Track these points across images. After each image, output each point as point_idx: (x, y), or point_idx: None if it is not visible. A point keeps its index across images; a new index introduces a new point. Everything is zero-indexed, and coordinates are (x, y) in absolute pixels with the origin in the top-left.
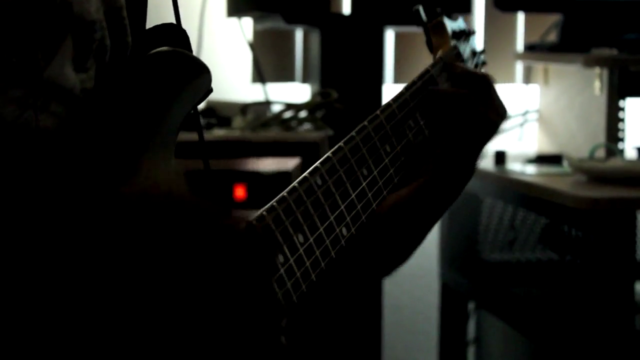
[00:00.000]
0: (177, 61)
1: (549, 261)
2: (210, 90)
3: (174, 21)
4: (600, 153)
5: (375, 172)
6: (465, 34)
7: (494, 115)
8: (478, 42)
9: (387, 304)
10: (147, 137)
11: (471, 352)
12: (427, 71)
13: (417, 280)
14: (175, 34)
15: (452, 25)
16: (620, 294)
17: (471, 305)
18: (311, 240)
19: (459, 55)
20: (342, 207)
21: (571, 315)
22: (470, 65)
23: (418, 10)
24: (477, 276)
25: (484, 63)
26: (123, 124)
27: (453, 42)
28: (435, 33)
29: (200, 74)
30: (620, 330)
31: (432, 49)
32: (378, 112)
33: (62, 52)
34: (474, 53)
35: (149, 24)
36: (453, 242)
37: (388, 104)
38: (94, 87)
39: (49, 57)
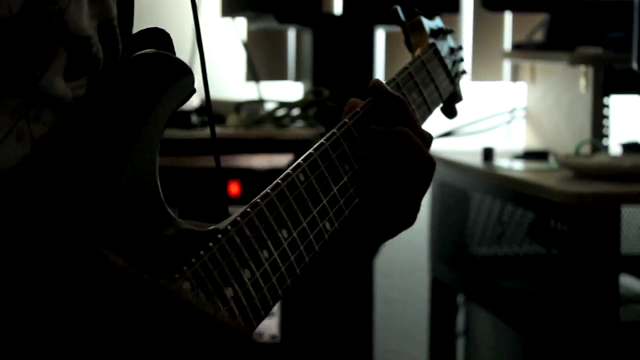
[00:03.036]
0: (160, 63)
1: (536, 255)
2: (194, 91)
3: (168, 23)
4: (586, 149)
5: (356, 167)
6: (443, 32)
7: (429, 153)
8: (455, 39)
9: (378, 298)
10: (132, 137)
11: (460, 343)
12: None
13: (407, 274)
14: (159, 37)
15: (430, 24)
16: (606, 286)
17: (460, 298)
18: (295, 235)
19: (436, 53)
20: (325, 202)
21: (558, 307)
22: (448, 62)
23: (396, 10)
24: (466, 270)
25: (461, 60)
26: (108, 125)
27: (431, 40)
28: (413, 32)
29: (183, 75)
30: (605, 322)
31: (410, 47)
32: (358, 108)
33: (55, 63)
34: (451, 50)
35: (143, 26)
36: (442, 237)
37: (368, 100)
38: (85, 94)
39: (43, 68)
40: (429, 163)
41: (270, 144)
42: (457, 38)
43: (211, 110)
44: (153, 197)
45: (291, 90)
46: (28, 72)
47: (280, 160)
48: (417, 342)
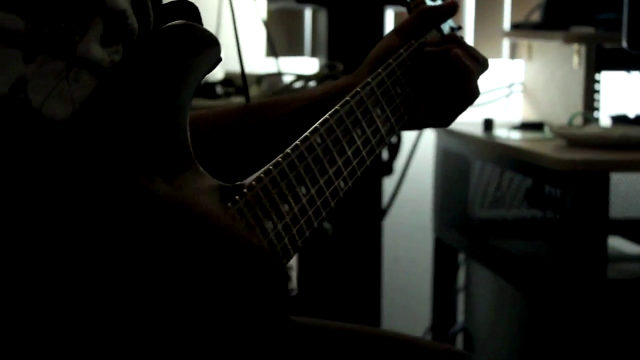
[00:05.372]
0: (188, 33)
1: (532, 218)
2: (220, 60)
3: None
4: (578, 121)
5: (368, 133)
6: None
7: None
8: (455, 20)
9: (386, 257)
10: (162, 105)
11: (461, 297)
12: (411, 44)
13: (413, 235)
14: (186, 8)
15: (432, 4)
16: (595, 246)
17: (461, 257)
18: (313, 192)
19: (439, 31)
20: (340, 163)
21: (551, 265)
22: None
23: None
24: (466, 231)
25: (460, 38)
26: (140, 94)
27: None
28: None
29: (210, 45)
30: (594, 279)
31: None
32: (369, 79)
33: (92, 31)
34: (452, 30)
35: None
36: (445, 201)
37: (377, 73)
38: (121, 60)
39: (81, 34)
40: (475, 88)
41: None
42: (456, 19)
43: (245, 76)
44: (185, 154)
45: (307, 65)
46: (68, 38)
47: None
48: (421, 297)
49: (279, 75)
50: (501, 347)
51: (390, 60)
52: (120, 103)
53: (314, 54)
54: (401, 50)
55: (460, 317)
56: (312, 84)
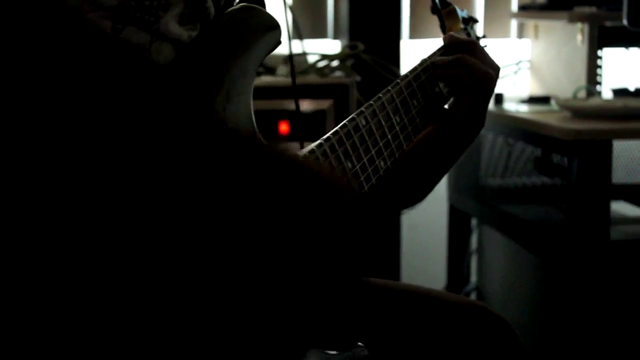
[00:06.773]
0: (253, 17)
1: (541, 185)
2: (280, 42)
3: None
4: (582, 94)
5: (405, 120)
6: (472, 21)
7: (487, 68)
8: (479, 29)
9: (404, 223)
10: (224, 82)
11: (474, 260)
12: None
13: (429, 203)
14: None
15: (461, 13)
16: (598, 210)
17: (473, 222)
18: (357, 167)
19: (469, 36)
20: (381, 144)
21: (558, 228)
22: None
23: (434, 0)
24: (479, 198)
25: (485, 46)
26: (206, 72)
27: (463, 26)
28: (448, 18)
29: (271, 28)
30: (598, 240)
31: (445, 32)
32: (408, 72)
33: (173, 9)
34: (477, 38)
35: None
36: (459, 170)
37: (415, 68)
38: (197, 36)
39: (164, 11)
40: (489, 76)
41: (314, 90)
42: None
43: (293, 60)
44: (248, 127)
45: (331, 45)
46: (152, 14)
47: (323, 103)
48: (437, 259)
49: (304, 55)
50: (510, 302)
51: (417, 66)
52: (188, 79)
53: (336, 35)
54: (426, 58)
55: (473, 277)
56: (335, 62)
